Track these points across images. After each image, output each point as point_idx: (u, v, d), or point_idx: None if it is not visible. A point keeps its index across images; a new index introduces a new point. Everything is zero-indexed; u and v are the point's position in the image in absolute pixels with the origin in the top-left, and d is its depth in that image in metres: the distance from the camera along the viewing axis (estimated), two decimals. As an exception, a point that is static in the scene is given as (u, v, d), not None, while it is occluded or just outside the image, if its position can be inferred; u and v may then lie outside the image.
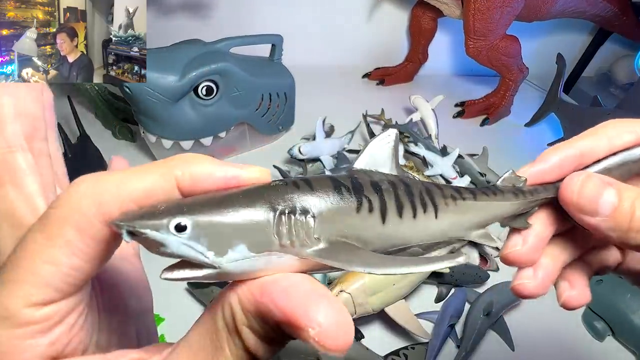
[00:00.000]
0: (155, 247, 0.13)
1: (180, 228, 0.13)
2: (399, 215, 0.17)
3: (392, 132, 0.18)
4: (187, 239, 0.13)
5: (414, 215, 0.17)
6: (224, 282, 0.46)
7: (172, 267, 0.14)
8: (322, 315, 0.12)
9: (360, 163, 0.18)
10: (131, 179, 0.14)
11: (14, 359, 0.13)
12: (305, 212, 0.15)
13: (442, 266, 0.15)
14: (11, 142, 0.16)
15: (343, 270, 0.14)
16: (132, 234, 0.13)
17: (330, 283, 0.45)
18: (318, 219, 0.15)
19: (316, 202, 0.15)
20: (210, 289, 0.46)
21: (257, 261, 0.14)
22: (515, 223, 0.22)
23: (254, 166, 0.15)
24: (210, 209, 0.13)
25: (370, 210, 0.16)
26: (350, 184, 0.16)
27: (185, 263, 0.13)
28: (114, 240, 0.14)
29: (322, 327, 0.12)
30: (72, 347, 0.15)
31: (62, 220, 0.13)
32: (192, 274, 0.13)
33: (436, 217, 0.18)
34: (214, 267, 0.13)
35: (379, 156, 0.18)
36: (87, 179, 0.14)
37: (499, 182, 0.22)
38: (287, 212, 0.14)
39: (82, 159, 0.55)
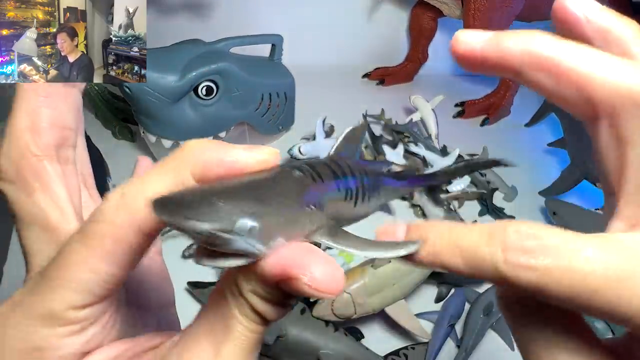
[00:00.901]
0: (211, 243, 0.13)
1: (245, 228, 0.13)
2: (362, 200, 0.20)
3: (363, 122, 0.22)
4: (247, 237, 0.13)
5: (369, 199, 0.20)
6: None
7: (203, 252, 0.14)
8: (313, 265, 0.13)
9: (334, 149, 0.21)
10: (152, 183, 0.15)
11: (50, 355, 0.15)
12: (320, 203, 0.16)
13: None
14: (43, 151, 0.17)
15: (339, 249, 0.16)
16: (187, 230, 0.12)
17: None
18: (326, 207, 0.16)
19: (326, 193, 0.17)
20: (209, 289, 0.46)
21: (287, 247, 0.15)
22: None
23: (261, 148, 0.16)
24: (265, 206, 0.14)
25: (351, 197, 0.18)
26: (341, 173, 0.18)
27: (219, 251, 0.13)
28: (147, 246, 0.15)
29: (314, 274, 0.13)
30: (104, 344, 0.16)
31: (101, 233, 0.15)
32: (233, 262, 0.13)
33: (378, 197, 0.22)
34: (258, 256, 0.13)
35: (351, 144, 0.22)
36: (115, 192, 0.15)
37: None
38: (310, 205, 0.15)
39: (82, 159, 0.55)
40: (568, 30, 0.15)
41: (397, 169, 0.27)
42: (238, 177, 0.15)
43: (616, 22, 0.15)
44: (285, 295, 0.14)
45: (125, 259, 0.15)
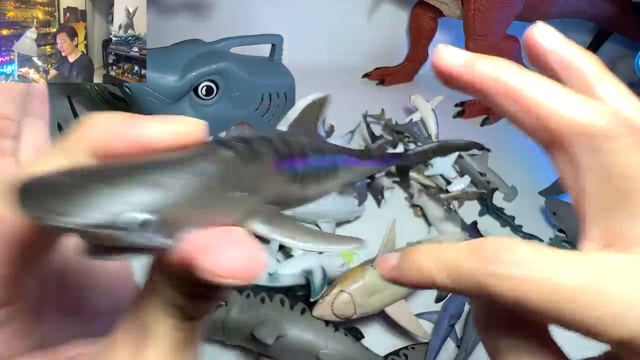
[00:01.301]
0: (100, 240, 0.11)
1: (134, 223, 0.10)
2: (313, 181, 0.18)
3: (320, 95, 0.21)
4: (142, 231, 0.11)
5: (323, 180, 0.19)
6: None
7: (98, 248, 0.11)
8: (220, 249, 0.11)
9: (289, 125, 0.21)
10: (40, 166, 0.12)
11: None
12: (252, 187, 0.14)
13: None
14: None
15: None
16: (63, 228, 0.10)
17: (330, 283, 0.45)
18: (262, 190, 0.14)
19: (261, 176, 0.14)
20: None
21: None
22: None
23: (181, 118, 0.13)
24: (165, 194, 0.11)
25: (297, 177, 0.17)
26: (286, 150, 0.16)
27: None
28: (46, 240, 0.13)
29: (219, 259, 0.11)
30: (15, 351, 0.14)
31: None
32: (130, 255, 0.12)
33: (335, 178, 0.20)
34: (164, 249, 0.11)
35: (308, 119, 0.20)
36: None
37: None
38: (237, 190, 0.13)
39: (82, 159, 0.55)
40: (536, 57, 0.16)
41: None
42: (145, 156, 0.12)
43: (578, 56, 0.15)
44: (204, 286, 0.12)
45: (14, 257, 0.12)
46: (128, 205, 0.10)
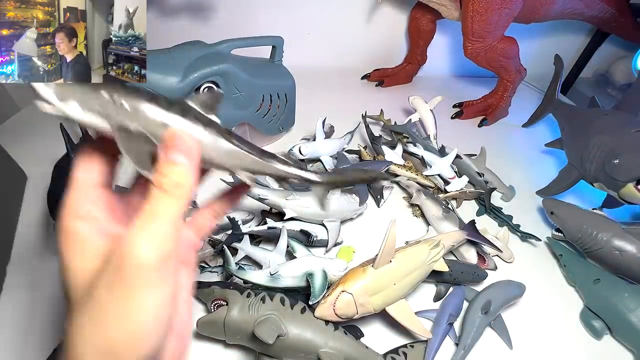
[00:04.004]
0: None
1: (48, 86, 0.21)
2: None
3: (218, 92, 0.27)
4: (48, 90, 0.21)
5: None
6: (223, 283, 0.46)
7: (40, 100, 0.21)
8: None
9: (191, 101, 0.25)
10: None
11: None
12: (125, 103, 0.22)
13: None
14: None
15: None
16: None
17: (329, 287, 0.45)
18: (132, 110, 0.22)
19: (135, 103, 0.22)
20: (212, 289, 0.46)
21: (85, 115, 0.22)
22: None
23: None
24: (69, 85, 0.22)
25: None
26: (167, 105, 0.23)
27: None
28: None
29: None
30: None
31: None
32: (48, 107, 0.21)
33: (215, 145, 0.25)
34: (55, 107, 0.21)
35: (205, 102, 0.25)
36: None
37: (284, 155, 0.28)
38: (115, 96, 0.22)
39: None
40: None
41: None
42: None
43: None
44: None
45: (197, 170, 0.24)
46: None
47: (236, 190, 0.31)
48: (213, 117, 0.25)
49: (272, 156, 0.27)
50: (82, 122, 0.22)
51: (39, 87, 0.21)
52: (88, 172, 0.24)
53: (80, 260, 0.21)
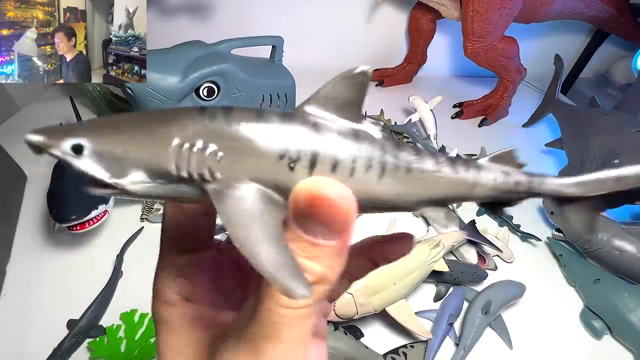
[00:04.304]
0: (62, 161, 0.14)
1: (77, 149, 0.13)
2: (331, 170, 0.15)
3: (361, 69, 0.15)
4: (85, 160, 0.13)
5: (351, 174, 0.15)
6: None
7: (91, 182, 0.14)
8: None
9: (314, 103, 0.15)
10: None
11: None
12: (210, 144, 0.14)
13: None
14: None
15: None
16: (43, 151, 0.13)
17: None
18: (227, 154, 0.14)
19: (226, 136, 0.14)
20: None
21: (161, 188, 0.14)
22: (492, 209, 0.19)
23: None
24: (107, 132, 0.13)
25: (297, 159, 0.14)
26: (282, 123, 0.14)
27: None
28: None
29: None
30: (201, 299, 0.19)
31: None
32: (102, 191, 0.14)
33: (379, 180, 0.15)
34: (116, 188, 0.14)
35: (337, 98, 0.15)
36: None
37: (492, 156, 0.18)
38: (188, 141, 0.13)
39: (83, 159, 0.55)
40: None
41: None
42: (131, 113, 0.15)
43: None
44: None
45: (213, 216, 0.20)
46: (70, 134, 0.13)
47: (394, 240, 0.20)
48: (365, 125, 0.15)
49: (470, 164, 0.17)
50: (158, 197, 0.14)
51: (84, 164, 0.13)
52: (176, 236, 0.18)
53: (176, 356, 0.17)
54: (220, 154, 0.14)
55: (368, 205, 0.16)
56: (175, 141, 0.13)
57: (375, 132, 0.16)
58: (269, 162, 0.14)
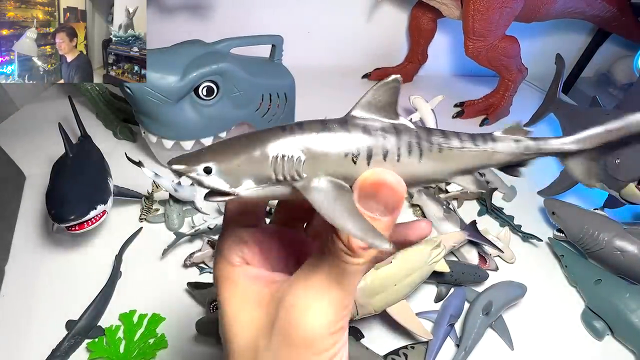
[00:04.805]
0: (196, 183, 0.19)
1: (208, 170, 0.19)
2: (383, 159, 0.20)
3: (393, 77, 0.20)
4: (213, 177, 0.19)
5: (398, 160, 0.20)
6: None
7: (209, 194, 0.20)
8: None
9: (360, 108, 0.21)
10: None
11: None
12: (295, 153, 0.19)
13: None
14: None
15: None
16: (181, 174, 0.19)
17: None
18: (308, 159, 0.19)
19: (306, 145, 0.19)
20: (208, 290, 0.46)
21: (264, 190, 0.19)
22: (509, 171, 0.23)
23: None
24: (224, 155, 0.19)
25: (358, 154, 0.19)
26: (343, 129, 0.19)
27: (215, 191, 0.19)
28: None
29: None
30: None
31: None
32: (220, 199, 0.19)
33: (419, 161, 0.20)
34: (234, 194, 0.19)
35: (378, 102, 0.20)
36: None
37: (499, 133, 0.22)
38: (280, 153, 0.19)
39: (83, 159, 0.55)
40: None
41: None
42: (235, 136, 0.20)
43: None
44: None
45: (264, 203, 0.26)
46: (201, 161, 0.19)
47: (414, 224, 0.25)
48: (401, 120, 0.21)
49: (487, 138, 0.22)
50: (262, 197, 0.19)
51: (212, 180, 0.19)
52: (239, 214, 0.24)
53: (238, 307, 0.21)
54: (303, 159, 0.19)
55: (412, 182, 0.20)
56: (272, 155, 0.19)
57: (410, 124, 0.21)
58: (338, 160, 0.19)
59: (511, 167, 0.23)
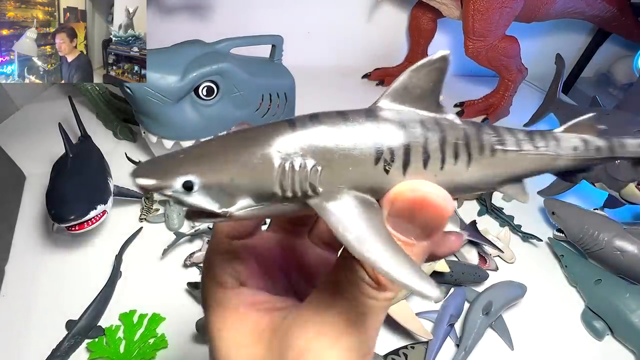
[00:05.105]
0: (174, 202, 0.14)
1: (188, 186, 0.13)
2: (423, 167, 0.15)
3: (440, 54, 0.15)
4: (196, 196, 0.13)
5: (442, 167, 0.15)
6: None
7: (195, 213, 0.15)
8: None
9: (390, 97, 0.15)
10: None
11: None
12: (309, 159, 0.14)
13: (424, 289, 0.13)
14: None
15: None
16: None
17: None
18: (326, 168, 0.14)
19: (323, 149, 0.14)
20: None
21: (265, 209, 0.14)
22: (567, 178, 0.19)
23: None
24: (211, 163, 0.14)
25: (391, 160, 0.14)
26: (370, 124, 0.14)
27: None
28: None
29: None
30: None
31: None
32: (207, 220, 0.14)
33: (467, 168, 0.16)
34: (224, 215, 0.14)
35: (415, 89, 0.15)
36: None
37: (568, 125, 0.18)
38: (289, 161, 0.14)
39: (83, 158, 0.55)
40: None
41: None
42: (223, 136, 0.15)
43: None
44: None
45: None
46: (179, 173, 0.13)
47: (445, 237, 0.20)
48: (443, 114, 0.16)
49: (548, 137, 0.17)
50: (262, 217, 0.15)
51: (195, 199, 0.14)
52: (225, 224, 0.19)
53: (232, 342, 0.17)
54: (319, 168, 0.14)
55: (456, 192, 0.16)
56: (277, 162, 0.14)
57: (455, 118, 0.16)
58: (366, 169, 0.14)
59: (570, 173, 0.19)
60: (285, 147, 0.14)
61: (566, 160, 0.18)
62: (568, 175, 0.19)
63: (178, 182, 0.13)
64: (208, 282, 0.19)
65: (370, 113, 0.15)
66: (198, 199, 0.13)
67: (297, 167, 0.14)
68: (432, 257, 0.20)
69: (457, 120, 0.16)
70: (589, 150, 0.18)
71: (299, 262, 0.21)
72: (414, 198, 0.14)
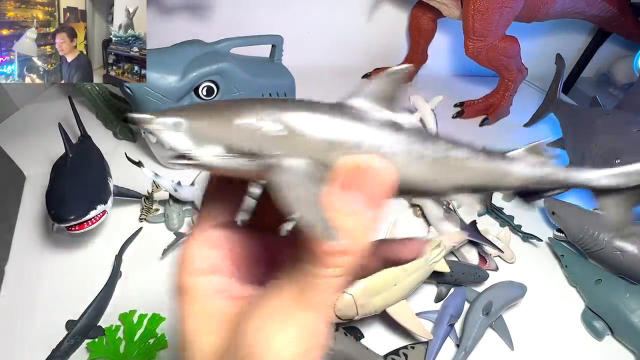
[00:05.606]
0: (158, 140, 0.17)
1: (176, 124, 0.16)
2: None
3: (405, 66, 0.18)
4: (178, 135, 0.16)
5: (392, 160, 0.17)
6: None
7: (179, 157, 0.17)
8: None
9: (357, 97, 0.18)
10: None
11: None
12: (275, 126, 0.16)
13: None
14: None
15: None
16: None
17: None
18: (287, 135, 0.16)
19: (286, 121, 0.16)
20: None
21: (230, 161, 0.16)
22: (527, 199, 0.20)
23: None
24: (197, 115, 0.16)
25: (346, 143, 0.16)
26: (333, 111, 0.17)
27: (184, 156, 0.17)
28: None
29: None
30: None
31: None
32: (187, 162, 0.16)
33: (417, 166, 0.17)
34: (197, 159, 0.16)
35: (380, 93, 0.18)
36: None
37: (520, 150, 0.19)
38: (259, 124, 0.16)
39: (83, 158, 0.55)
40: None
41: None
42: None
43: None
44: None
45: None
46: (170, 113, 0.16)
47: (407, 243, 0.22)
48: (402, 116, 0.17)
49: (502, 155, 0.19)
50: (226, 169, 0.16)
51: (177, 137, 0.16)
52: (209, 214, 0.20)
53: (196, 327, 0.18)
54: (281, 134, 0.16)
55: (404, 188, 0.17)
56: (252, 121, 0.16)
57: (413, 121, 0.18)
58: (322, 145, 0.16)
59: (528, 193, 0.20)
60: (259, 112, 0.16)
61: (518, 180, 0.19)
62: (524, 196, 0.20)
63: (171, 120, 0.16)
64: (179, 268, 0.19)
65: (338, 105, 0.17)
66: (179, 138, 0.16)
67: (263, 129, 0.16)
68: (396, 262, 0.21)
69: (417, 124, 0.18)
70: (543, 173, 0.19)
71: (275, 258, 0.22)
72: (357, 163, 0.15)
